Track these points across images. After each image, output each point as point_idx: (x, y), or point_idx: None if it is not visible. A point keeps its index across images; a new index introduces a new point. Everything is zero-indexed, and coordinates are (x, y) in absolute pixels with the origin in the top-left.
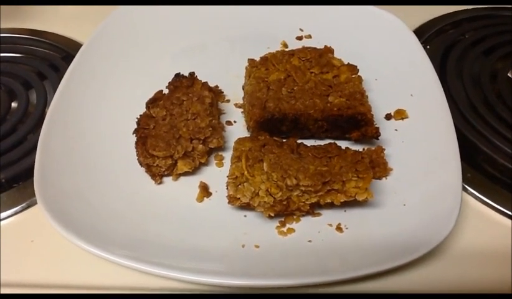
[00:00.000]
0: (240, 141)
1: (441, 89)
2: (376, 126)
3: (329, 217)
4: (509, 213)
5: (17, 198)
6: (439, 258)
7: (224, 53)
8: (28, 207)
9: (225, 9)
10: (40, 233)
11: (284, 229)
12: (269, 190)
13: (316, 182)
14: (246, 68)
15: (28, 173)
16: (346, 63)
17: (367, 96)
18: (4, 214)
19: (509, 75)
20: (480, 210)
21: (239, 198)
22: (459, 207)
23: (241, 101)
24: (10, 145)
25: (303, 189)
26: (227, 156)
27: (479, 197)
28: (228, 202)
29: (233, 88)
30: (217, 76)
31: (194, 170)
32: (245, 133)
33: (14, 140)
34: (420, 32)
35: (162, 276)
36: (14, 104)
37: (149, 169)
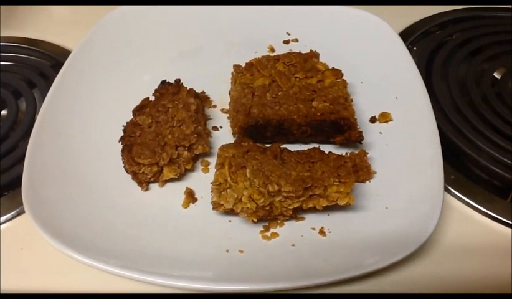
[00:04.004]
0: (223, 148)
1: (426, 91)
2: (359, 130)
3: (312, 221)
4: (492, 214)
5: (8, 206)
6: (422, 259)
7: (211, 58)
8: (18, 214)
9: (213, 14)
10: (29, 241)
11: (268, 234)
12: (251, 196)
13: (297, 187)
14: (232, 73)
15: (19, 181)
16: (330, 67)
17: (351, 100)
18: None
19: (495, 74)
20: (463, 212)
21: (222, 204)
22: (440, 209)
23: (227, 107)
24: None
25: (285, 194)
26: (213, 161)
27: (462, 199)
28: (213, 208)
29: (220, 93)
30: (204, 81)
31: (180, 177)
32: (230, 139)
33: (4, 148)
34: (407, 34)
35: (148, 282)
36: (3, 112)
37: (135, 176)
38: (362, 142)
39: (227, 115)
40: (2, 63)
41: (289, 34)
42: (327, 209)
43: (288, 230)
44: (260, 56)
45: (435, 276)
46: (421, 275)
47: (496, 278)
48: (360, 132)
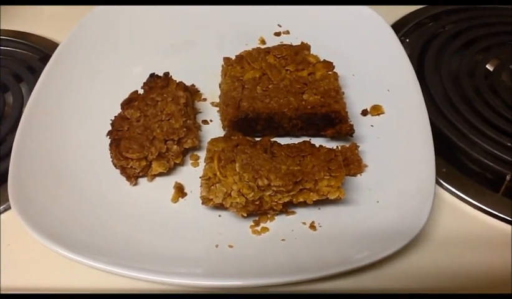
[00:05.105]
0: (213, 142)
1: (418, 84)
2: (351, 123)
3: (303, 215)
4: (484, 207)
5: None
6: (414, 253)
7: (202, 50)
8: (5, 210)
9: (204, 7)
10: (16, 237)
11: (258, 228)
12: (241, 190)
13: (287, 182)
14: (222, 66)
15: (6, 176)
16: (322, 59)
17: (342, 93)
18: None
19: (487, 66)
20: (455, 205)
21: (212, 199)
22: (431, 203)
23: (218, 100)
24: None
25: (275, 189)
26: (203, 155)
27: (454, 192)
28: (202, 203)
29: (211, 86)
30: (195, 74)
31: (169, 171)
32: (220, 132)
33: None
34: (399, 25)
35: (136, 279)
36: None
37: (123, 170)
38: (354, 135)
39: (217, 108)
40: None
41: (280, 26)
42: (318, 203)
43: (279, 224)
44: (251, 49)
45: (427, 269)
46: (413, 268)
47: (487, 271)
48: (352, 125)
